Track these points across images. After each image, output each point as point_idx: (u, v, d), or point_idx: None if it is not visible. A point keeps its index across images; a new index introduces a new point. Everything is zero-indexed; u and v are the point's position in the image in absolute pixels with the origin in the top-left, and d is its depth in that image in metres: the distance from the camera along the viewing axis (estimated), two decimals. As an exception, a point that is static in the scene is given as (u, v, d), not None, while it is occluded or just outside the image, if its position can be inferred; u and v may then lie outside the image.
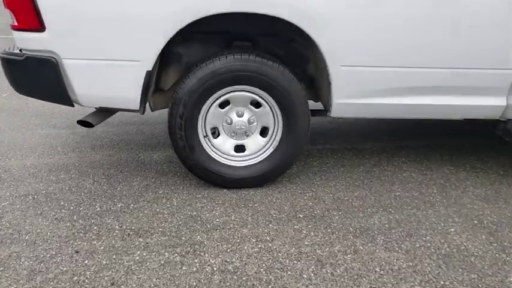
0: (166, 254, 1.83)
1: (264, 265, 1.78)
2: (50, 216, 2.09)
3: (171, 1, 2.01)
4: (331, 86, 2.24)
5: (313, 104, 2.58)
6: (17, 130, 3.27)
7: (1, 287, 1.63)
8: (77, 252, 1.83)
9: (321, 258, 1.84)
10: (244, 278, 1.71)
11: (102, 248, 1.86)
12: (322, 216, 2.16)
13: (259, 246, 1.90)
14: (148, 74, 2.10)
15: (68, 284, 1.65)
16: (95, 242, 1.90)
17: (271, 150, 2.37)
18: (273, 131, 2.37)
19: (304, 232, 2.02)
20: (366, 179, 2.61)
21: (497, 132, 2.53)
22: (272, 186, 2.45)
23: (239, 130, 2.33)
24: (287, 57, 2.50)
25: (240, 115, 2.32)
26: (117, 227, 2.02)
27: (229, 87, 2.20)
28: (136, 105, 2.17)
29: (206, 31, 2.43)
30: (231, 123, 2.32)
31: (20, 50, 2.14)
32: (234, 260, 1.81)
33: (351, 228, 2.07)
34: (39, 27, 1.98)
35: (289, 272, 1.74)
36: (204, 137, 2.33)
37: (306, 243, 1.94)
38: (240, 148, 2.38)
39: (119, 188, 2.40)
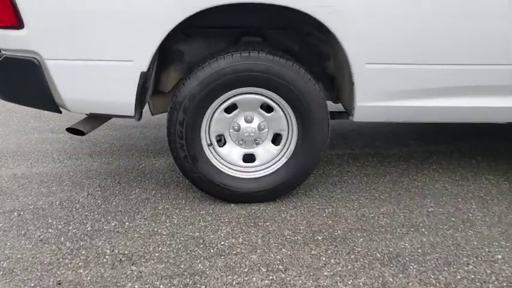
0: (161, 287, 1.57)
1: (275, 302, 1.51)
2: (34, 238, 1.85)
3: (167, -9, 1.74)
4: (354, 86, 1.94)
5: (332, 105, 2.28)
6: (13, 134, 3.06)
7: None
8: (59, 284, 1.58)
9: (343, 293, 1.55)
10: (251, 320, 1.44)
11: (88, 278, 1.61)
12: (344, 238, 1.87)
13: (271, 277, 1.62)
14: (144, 76, 1.84)
15: (45, 325, 1.41)
16: (81, 271, 1.65)
17: (284, 160, 2.08)
18: (287, 139, 2.08)
19: (323, 259, 1.73)
20: (393, 191, 2.30)
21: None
22: (286, 201, 2.16)
23: (248, 138, 2.05)
24: (303, 54, 2.19)
25: (249, 121, 2.03)
26: (108, 251, 1.77)
27: (236, 89, 1.91)
28: (130, 110, 1.90)
29: (211, 26, 2.15)
30: (238, 130, 2.04)
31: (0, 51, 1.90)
32: (240, 295, 1.54)
33: (377, 254, 1.77)
34: (17, 23, 1.72)
35: (305, 312, 1.47)
36: (208, 145, 2.05)
37: (326, 273, 1.65)
38: (249, 158, 2.10)
39: (114, 203, 2.15)
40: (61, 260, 1.71)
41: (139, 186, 2.32)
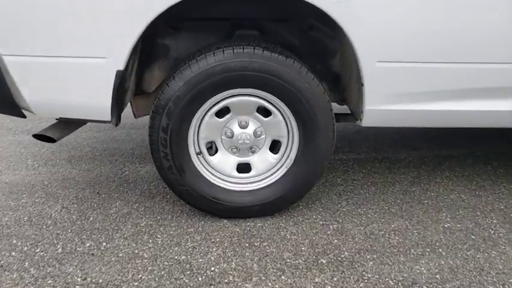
0: (139, 326, 1.33)
1: None
2: (-6, 263, 1.61)
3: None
4: (363, 88, 1.69)
5: (336, 107, 2.03)
6: (-15, 137, 2.81)
7: None
8: (18, 323, 1.34)
9: (353, 333, 1.32)
10: None
11: (53, 315, 1.37)
12: (351, 261, 1.63)
13: (268, 314, 1.39)
14: (120, 75, 1.58)
15: None
16: (45, 305, 1.41)
17: (284, 170, 1.84)
18: (287, 146, 1.83)
19: (329, 289, 1.49)
20: (404, 202, 2.06)
21: None
22: (285, 216, 1.92)
23: (243, 145, 1.80)
24: (305, 50, 1.95)
25: (244, 126, 1.79)
26: (79, 279, 1.52)
27: (228, 90, 1.66)
28: (106, 114, 1.65)
29: (202, 18, 1.90)
30: (232, 137, 1.79)
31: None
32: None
33: (390, 282, 1.53)
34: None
35: None
36: (197, 154, 1.80)
37: (332, 307, 1.42)
38: (244, 167, 1.86)
39: (91, 218, 1.90)
40: (23, 291, 1.47)
41: (121, 198, 2.07)
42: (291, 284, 1.51)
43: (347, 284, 1.51)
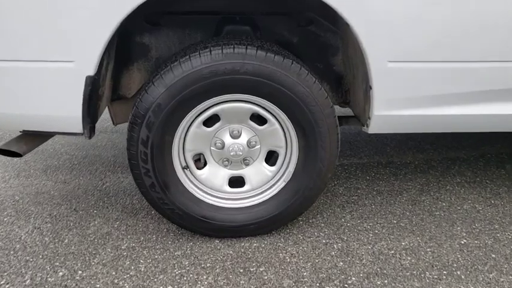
0: None
1: None
2: (-49, 299, 1.40)
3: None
4: (371, 91, 1.49)
5: (337, 109, 1.83)
6: (-46, 144, 2.56)
7: None
8: None
9: None
10: None
11: None
12: (360, 289, 1.44)
13: None
14: (91, 81, 1.36)
15: None
16: None
17: (282, 184, 1.63)
18: (285, 157, 1.63)
19: (337, 326, 1.30)
20: (413, 215, 1.87)
21: None
22: (284, 233, 1.72)
23: (235, 157, 1.59)
24: (303, 47, 1.73)
25: (236, 135, 1.58)
26: (48, 319, 1.32)
27: (217, 97, 1.45)
28: (77, 126, 1.43)
29: (187, 12, 1.67)
30: (222, 148, 1.58)
31: None
32: None
33: (406, 313, 1.35)
34: None
35: None
36: (183, 168, 1.59)
37: None
38: (237, 181, 1.66)
39: (66, 240, 1.68)
40: (-19, 336, 1.26)
41: (100, 215, 1.86)
42: (292, 319, 1.32)
43: (356, 318, 1.32)
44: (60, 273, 1.50)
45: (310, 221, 1.81)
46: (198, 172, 1.62)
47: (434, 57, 1.40)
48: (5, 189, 2.06)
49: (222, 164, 1.62)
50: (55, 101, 1.38)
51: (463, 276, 1.50)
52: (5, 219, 1.83)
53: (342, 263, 1.56)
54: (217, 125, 1.55)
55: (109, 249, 1.63)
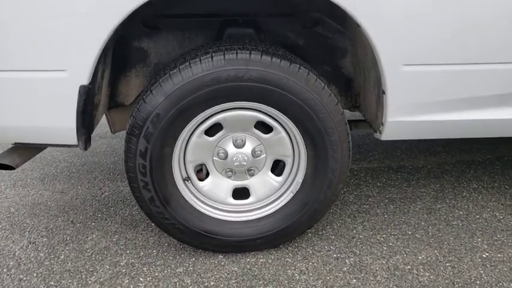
0: None
1: None
2: None
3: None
4: (385, 96, 1.38)
5: (346, 113, 1.72)
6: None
7: None
8: None
9: None
10: None
11: None
12: (375, 310, 1.35)
13: None
14: (85, 91, 1.27)
15: None
16: None
17: (290, 195, 1.54)
18: (292, 167, 1.53)
19: None
20: (429, 225, 1.77)
21: None
22: (292, 247, 1.63)
23: (239, 167, 1.50)
24: (309, 50, 1.63)
25: (240, 145, 1.48)
26: None
27: (219, 105, 1.35)
28: (71, 138, 1.34)
29: (187, 14, 1.58)
30: (225, 158, 1.49)
31: None
32: None
33: (425, 337, 1.25)
34: None
35: None
36: (184, 180, 1.50)
37: None
38: (241, 193, 1.56)
39: (62, 256, 1.60)
40: None
41: (99, 228, 1.77)
42: None
43: None
44: (55, 294, 1.42)
45: (320, 233, 1.71)
46: (200, 184, 1.52)
47: (454, 59, 1.29)
48: (0, 201, 1.98)
49: (225, 175, 1.53)
50: (47, 112, 1.29)
51: (485, 294, 1.40)
52: (0, 233, 1.75)
53: (355, 280, 1.46)
54: (219, 134, 1.45)
55: (107, 266, 1.54)
